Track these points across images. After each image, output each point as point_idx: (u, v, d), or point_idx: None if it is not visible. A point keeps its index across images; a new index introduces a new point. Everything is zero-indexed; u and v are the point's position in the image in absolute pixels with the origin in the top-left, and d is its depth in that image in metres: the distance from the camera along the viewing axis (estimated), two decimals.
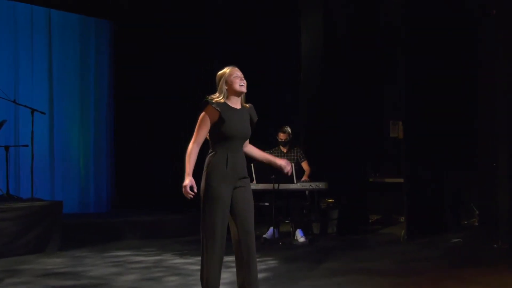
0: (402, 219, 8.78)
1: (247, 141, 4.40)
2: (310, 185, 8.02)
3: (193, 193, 4.10)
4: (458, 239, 7.61)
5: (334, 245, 7.78)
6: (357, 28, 9.46)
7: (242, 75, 4.32)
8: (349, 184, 9.08)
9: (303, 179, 8.23)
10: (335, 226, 8.65)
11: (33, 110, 7.93)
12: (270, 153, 8.34)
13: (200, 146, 4.20)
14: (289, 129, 8.44)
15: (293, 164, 7.94)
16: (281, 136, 8.39)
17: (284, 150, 8.49)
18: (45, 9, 9.70)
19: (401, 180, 8.34)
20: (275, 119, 9.86)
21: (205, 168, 4.20)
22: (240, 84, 4.26)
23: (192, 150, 4.16)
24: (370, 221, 9.57)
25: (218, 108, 4.16)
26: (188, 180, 4.09)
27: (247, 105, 4.37)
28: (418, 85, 8.15)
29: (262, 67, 10.50)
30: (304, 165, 8.45)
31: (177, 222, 8.87)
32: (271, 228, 8.00)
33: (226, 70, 4.32)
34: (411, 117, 8.17)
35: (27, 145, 8.02)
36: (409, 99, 8.14)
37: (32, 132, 7.79)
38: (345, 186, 8.96)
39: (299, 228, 8.13)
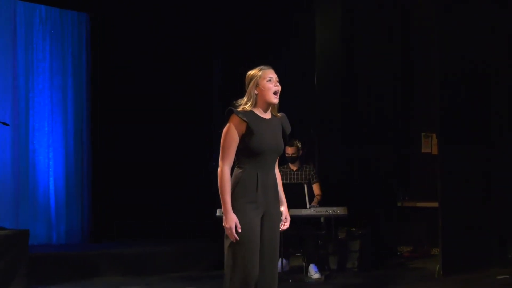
0: (437, 251, 8.78)
1: (278, 159, 4.38)
2: (326, 211, 8.01)
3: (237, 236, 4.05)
4: (504, 276, 7.61)
5: (355, 282, 7.79)
6: (381, 24, 9.52)
7: (277, 79, 4.30)
8: (373, 209, 9.10)
9: (311, 204, 8.21)
10: (356, 260, 8.63)
11: None
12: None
13: (231, 166, 4.15)
14: (298, 143, 8.48)
15: (305, 185, 8.01)
16: (289, 151, 8.40)
17: (294, 168, 8.53)
18: (9, 0, 9.77)
19: (436, 204, 8.34)
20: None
21: (231, 188, 4.15)
22: (274, 91, 4.24)
23: (225, 175, 4.10)
24: (398, 253, 9.58)
25: (245, 118, 4.13)
26: (231, 219, 4.04)
27: (278, 114, 4.35)
28: (455, 90, 8.18)
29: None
30: (315, 188, 8.49)
31: (166, 255, 8.85)
32: (280, 262, 8.02)
33: (258, 71, 4.28)
34: (447, 128, 8.20)
35: None
36: (444, 106, 8.17)
37: None
38: (368, 212, 8.97)
39: (312, 262, 8.13)
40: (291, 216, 7.70)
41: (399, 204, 9.62)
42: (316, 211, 8.06)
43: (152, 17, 10.35)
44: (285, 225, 4.39)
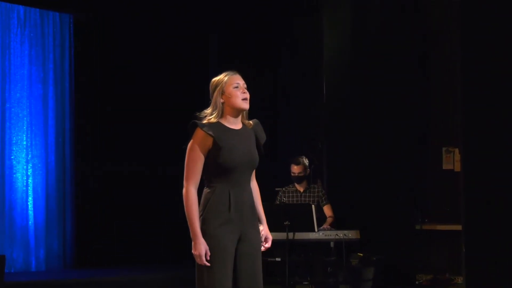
0: (460, 279, 8.70)
1: (254, 174, 4.33)
2: (337, 234, 8.01)
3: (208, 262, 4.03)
4: None
5: None
6: (396, 25, 9.47)
7: (245, 85, 4.26)
8: (389, 233, 9.01)
9: (323, 226, 8.23)
10: None
11: None
12: (283, 192, 8.39)
13: (197, 186, 4.12)
14: (305, 160, 8.44)
15: (313, 206, 7.96)
16: (295, 169, 8.41)
17: (301, 189, 8.53)
18: None
19: (459, 227, 8.25)
20: (288, 147, 9.85)
21: (200, 211, 4.11)
22: (242, 98, 4.20)
23: (191, 196, 4.08)
24: (416, 282, 9.51)
25: (210, 132, 4.11)
26: (201, 245, 4.02)
27: (250, 122, 4.31)
28: (480, 98, 8.05)
29: (271, 76, 10.55)
30: (327, 209, 8.49)
31: (155, 282, 8.91)
32: None
33: (224, 77, 4.26)
34: (471, 142, 8.08)
35: None
36: (468, 117, 8.05)
37: None
38: (383, 236, 8.90)
39: None
40: (297, 241, 7.74)
41: (417, 227, 9.56)
42: (326, 235, 8.07)
43: (152, 17, 10.78)
44: (265, 245, 4.35)
